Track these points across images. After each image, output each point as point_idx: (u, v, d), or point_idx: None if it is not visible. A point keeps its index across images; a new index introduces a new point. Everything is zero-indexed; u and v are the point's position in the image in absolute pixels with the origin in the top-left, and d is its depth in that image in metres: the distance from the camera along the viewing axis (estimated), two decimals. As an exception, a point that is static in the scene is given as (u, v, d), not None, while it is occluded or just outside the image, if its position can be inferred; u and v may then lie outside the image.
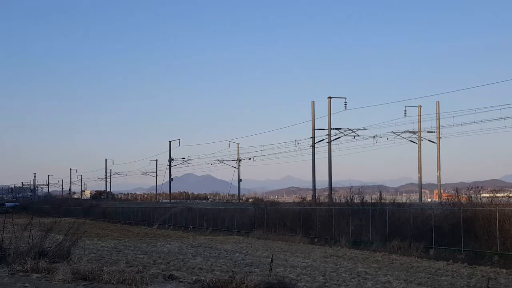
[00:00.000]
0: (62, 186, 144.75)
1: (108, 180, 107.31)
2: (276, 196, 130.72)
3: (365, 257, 25.17)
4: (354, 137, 49.53)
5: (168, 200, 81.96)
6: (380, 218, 29.50)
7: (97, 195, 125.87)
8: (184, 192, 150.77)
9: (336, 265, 21.85)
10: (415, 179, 56.27)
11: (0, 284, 13.20)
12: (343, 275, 18.61)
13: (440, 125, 49.30)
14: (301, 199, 56.85)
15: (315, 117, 48.52)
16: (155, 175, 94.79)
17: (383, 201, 37.54)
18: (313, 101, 48.73)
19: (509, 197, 33.37)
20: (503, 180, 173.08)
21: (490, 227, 23.90)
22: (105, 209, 72.84)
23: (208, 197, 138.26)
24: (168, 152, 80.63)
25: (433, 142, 49.83)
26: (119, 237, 38.64)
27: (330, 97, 47.30)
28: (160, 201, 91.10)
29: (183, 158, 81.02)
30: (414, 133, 51.10)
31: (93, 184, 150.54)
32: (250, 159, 71.52)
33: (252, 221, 39.90)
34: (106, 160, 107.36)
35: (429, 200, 69.88)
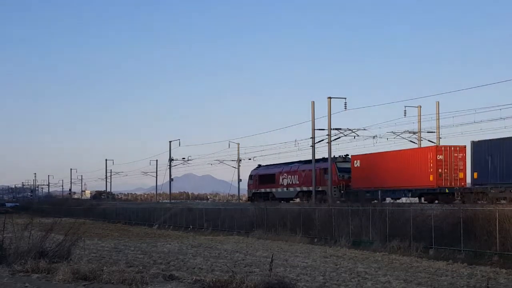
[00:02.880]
0: (62, 186, 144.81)
1: (108, 180, 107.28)
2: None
3: (365, 257, 25.19)
4: (354, 137, 49.53)
5: (168, 200, 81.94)
6: (380, 218, 29.52)
7: (97, 195, 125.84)
8: (184, 192, 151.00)
9: (336, 265, 21.87)
10: (415, 179, 56.10)
11: (0, 284, 13.22)
12: (343, 275, 18.64)
13: (440, 125, 49.35)
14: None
15: (315, 117, 48.57)
16: (155, 175, 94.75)
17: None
18: (313, 101, 48.80)
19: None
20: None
21: (489, 227, 23.90)
22: (105, 209, 72.82)
23: (208, 197, 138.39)
24: (168, 152, 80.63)
25: (433, 142, 49.84)
26: (119, 237, 38.66)
27: (330, 97, 47.30)
28: (160, 201, 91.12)
29: (183, 158, 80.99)
30: (414, 133, 51.11)
31: (93, 184, 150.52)
32: (250, 159, 71.58)
33: (252, 221, 39.90)
34: (106, 160, 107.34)
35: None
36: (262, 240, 34.77)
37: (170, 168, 77.89)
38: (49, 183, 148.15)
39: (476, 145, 35.91)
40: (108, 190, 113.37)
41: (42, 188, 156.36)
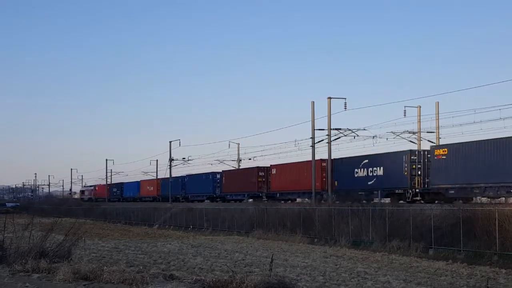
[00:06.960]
0: (62, 186, 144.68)
1: (108, 180, 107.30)
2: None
3: (365, 257, 25.22)
4: (354, 137, 49.48)
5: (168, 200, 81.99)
6: (379, 218, 29.56)
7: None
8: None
9: (336, 265, 21.91)
10: (415, 179, 55.95)
11: (1, 284, 13.26)
12: (343, 275, 18.68)
13: (440, 126, 49.32)
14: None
15: (315, 117, 48.54)
16: (155, 175, 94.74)
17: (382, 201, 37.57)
18: (313, 101, 48.80)
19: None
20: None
21: (489, 227, 23.94)
22: (106, 209, 72.89)
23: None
24: (168, 152, 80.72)
25: (432, 142, 49.84)
26: (120, 237, 38.72)
27: (330, 98, 47.32)
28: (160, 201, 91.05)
29: (184, 158, 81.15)
30: (414, 133, 51.10)
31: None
32: (250, 159, 71.72)
33: (252, 221, 39.95)
34: (106, 160, 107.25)
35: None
36: (262, 240, 34.81)
37: (170, 168, 77.84)
38: (49, 183, 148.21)
39: None
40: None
41: (42, 188, 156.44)
